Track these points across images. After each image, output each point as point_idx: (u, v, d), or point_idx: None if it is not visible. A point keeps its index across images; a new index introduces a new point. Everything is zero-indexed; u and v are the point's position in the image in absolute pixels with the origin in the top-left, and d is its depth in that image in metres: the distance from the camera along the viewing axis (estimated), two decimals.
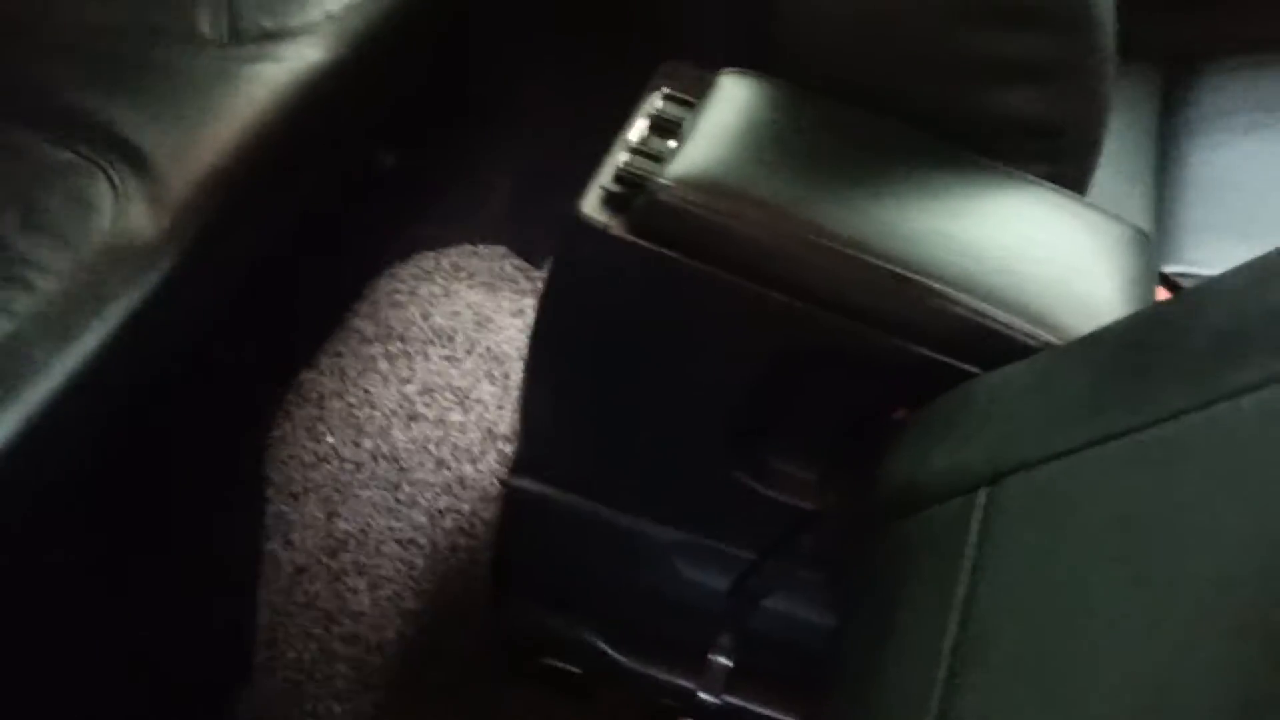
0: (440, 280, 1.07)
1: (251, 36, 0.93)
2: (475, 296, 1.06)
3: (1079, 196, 0.83)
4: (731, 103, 0.78)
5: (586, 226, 0.75)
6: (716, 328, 0.79)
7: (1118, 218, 0.81)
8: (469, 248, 1.15)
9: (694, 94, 0.82)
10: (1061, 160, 0.85)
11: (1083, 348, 0.61)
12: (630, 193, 0.75)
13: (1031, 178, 0.81)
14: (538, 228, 1.23)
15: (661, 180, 0.73)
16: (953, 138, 0.82)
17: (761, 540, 0.91)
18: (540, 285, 1.22)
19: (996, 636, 0.55)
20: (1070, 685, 0.50)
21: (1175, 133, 1.18)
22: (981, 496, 0.59)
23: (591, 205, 0.76)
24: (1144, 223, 1.11)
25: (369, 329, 1.01)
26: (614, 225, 0.75)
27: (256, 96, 0.89)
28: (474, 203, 1.20)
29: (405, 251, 1.10)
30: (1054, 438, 0.58)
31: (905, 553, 0.63)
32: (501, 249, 1.20)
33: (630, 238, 0.74)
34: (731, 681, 0.99)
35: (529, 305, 1.08)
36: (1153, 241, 0.81)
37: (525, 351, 0.99)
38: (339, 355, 0.99)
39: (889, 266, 0.71)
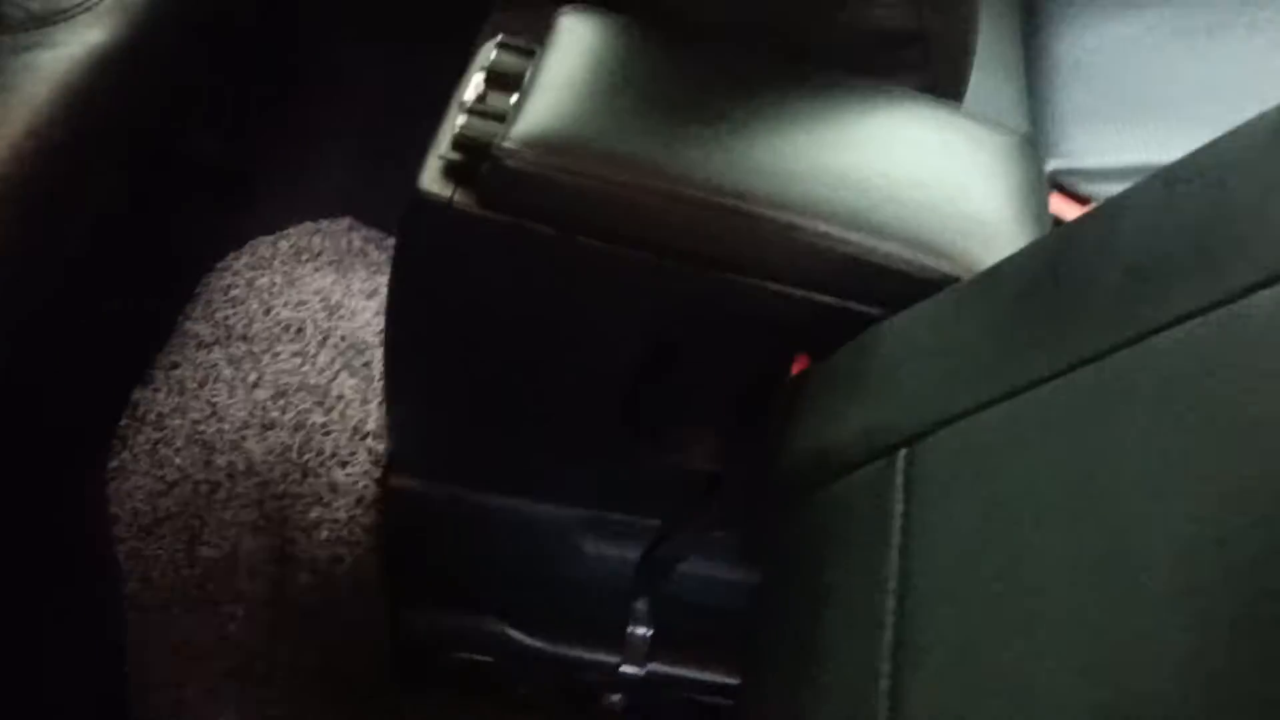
0: (281, 267, 0.97)
1: (18, 22, 0.81)
2: (322, 281, 0.96)
3: (956, 106, 0.78)
4: (574, 47, 0.70)
5: (428, 203, 0.67)
6: (587, 297, 0.72)
7: (999, 125, 0.75)
8: (310, 225, 1.05)
9: (533, 39, 0.74)
10: (934, 69, 0.79)
11: (989, 284, 0.56)
12: (473, 160, 0.67)
13: (905, 91, 0.75)
14: (385, 191, 1.14)
15: (506, 143, 0.64)
16: (817, 60, 0.76)
17: (667, 507, 0.86)
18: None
19: (936, 613, 0.50)
20: (1019, 671, 0.46)
21: (1040, 21, 1.13)
22: (900, 460, 0.53)
23: (432, 178, 0.67)
24: (1019, 118, 1.07)
25: (206, 332, 0.91)
26: (459, 199, 0.66)
27: (32, 92, 0.77)
28: (310, 175, 1.10)
29: (238, 240, 0.99)
30: (969, 389, 0.52)
31: (827, 524, 0.58)
32: (347, 221, 1.10)
33: (478, 211, 0.66)
34: (654, 650, 0.94)
35: (384, 283, 0.99)
36: (1035, 143, 0.76)
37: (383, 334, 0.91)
38: (175, 367, 0.89)
39: (767, 213, 0.65)
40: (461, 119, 0.68)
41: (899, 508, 0.52)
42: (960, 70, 0.81)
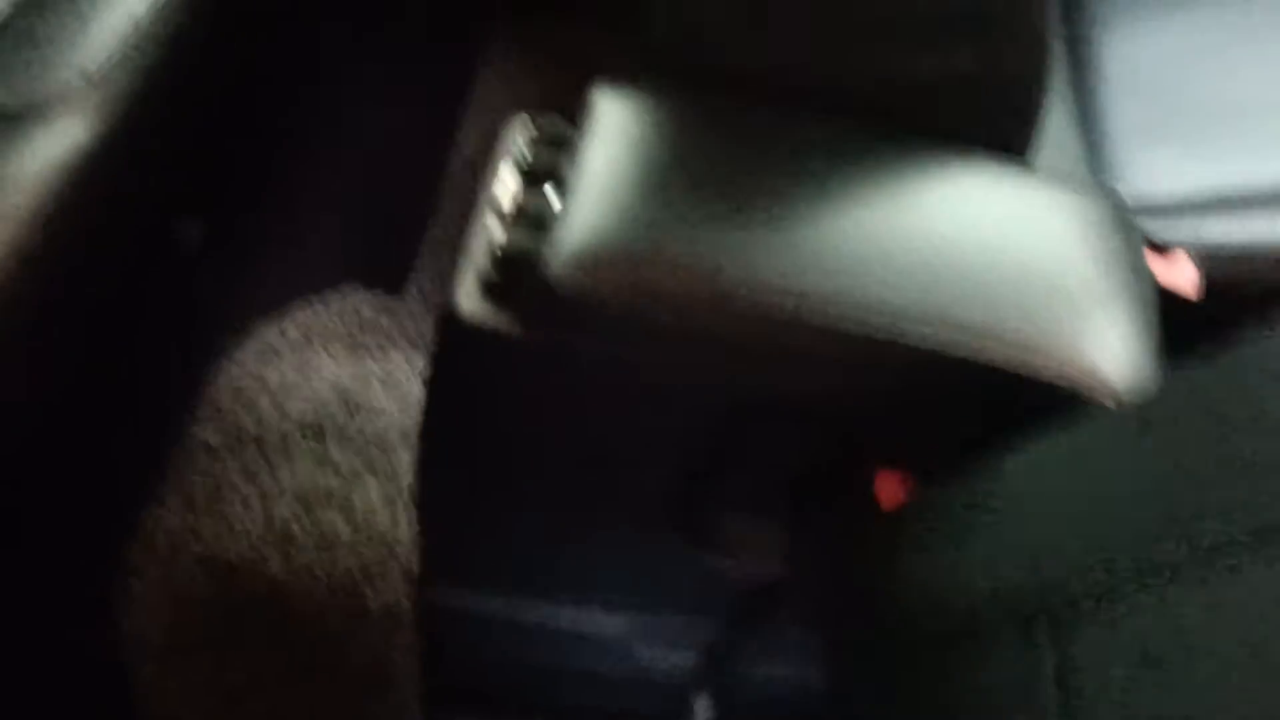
0: (290, 356, 0.89)
1: None
2: (336, 368, 0.89)
3: (1030, 168, 0.70)
4: (615, 135, 0.62)
5: (469, 329, 0.59)
6: (636, 407, 0.65)
7: (1087, 189, 0.68)
8: (316, 302, 0.97)
9: (562, 119, 0.66)
10: (1006, 119, 0.72)
11: (1138, 422, 0.49)
12: (514, 274, 0.59)
13: (978, 154, 0.68)
14: (387, 251, 1.06)
15: (554, 265, 0.57)
16: (868, 113, 0.68)
17: (724, 607, 0.79)
18: (406, 320, 1.06)
19: None
20: None
21: (1080, 31, 1.05)
22: (1045, 640, 0.46)
23: (469, 297, 0.60)
24: (1071, 141, 1.00)
25: (214, 439, 0.84)
26: (502, 322, 0.59)
27: (9, 202, 0.69)
28: (305, 248, 1.02)
29: (240, 328, 0.91)
30: (1122, 555, 0.45)
31: (961, 692, 0.51)
32: (353, 291, 1.02)
33: (525, 336, 0.59)
34: None
35: (400, 362, 0.92)
36: (1126, 209, 0.69)
37: (408, 431, 0.83)
38: (183, 479, 0.82)
39: (852, 322, 0.57)
40: (498, 231, 0.60)
41: (1051, 690, 0.45)
42: (1031, 122, 0.73)
